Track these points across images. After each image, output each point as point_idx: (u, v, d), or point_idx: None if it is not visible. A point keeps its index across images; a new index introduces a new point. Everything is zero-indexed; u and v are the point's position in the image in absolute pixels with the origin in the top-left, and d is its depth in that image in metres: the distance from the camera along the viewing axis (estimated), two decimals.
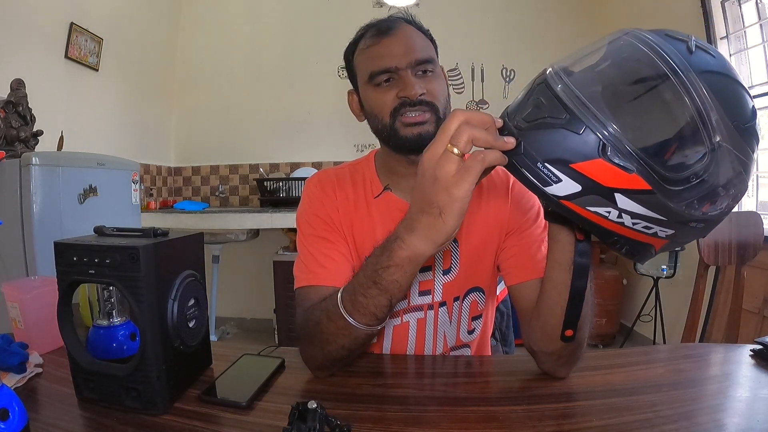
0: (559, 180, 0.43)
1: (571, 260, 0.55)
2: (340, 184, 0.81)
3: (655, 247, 0.47)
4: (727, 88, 0.43)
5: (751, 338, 0.75)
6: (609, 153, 0.41)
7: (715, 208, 0.44)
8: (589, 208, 0.43)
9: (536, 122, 0.44)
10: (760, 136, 0.44)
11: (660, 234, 0.44)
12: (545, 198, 0.45)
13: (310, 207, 0.80)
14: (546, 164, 0.43)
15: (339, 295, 0.60)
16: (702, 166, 0.41)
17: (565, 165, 0.43)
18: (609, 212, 0.43)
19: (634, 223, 0.44)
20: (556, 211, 0.46)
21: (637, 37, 0.45)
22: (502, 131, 0.48)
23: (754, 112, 0.44)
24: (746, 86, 0.44)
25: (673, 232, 0.45)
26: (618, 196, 0.42)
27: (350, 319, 0.58)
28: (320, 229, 0.77)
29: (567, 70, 0.46)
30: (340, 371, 0.69)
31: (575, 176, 0.42)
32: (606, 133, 0.41)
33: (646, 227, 0.44)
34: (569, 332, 0.56)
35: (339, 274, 0.73)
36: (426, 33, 0.76)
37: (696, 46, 0.43)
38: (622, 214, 0.43)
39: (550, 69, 0.47)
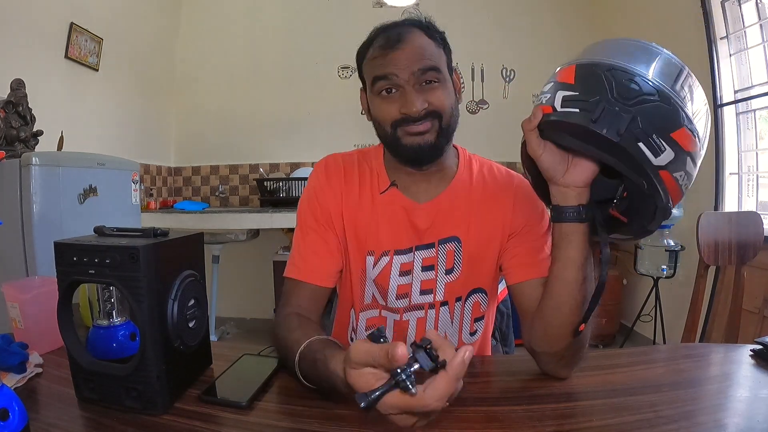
0: (664, 149, 0.50)
1: (583, 258, 0.58)
2: (347, 174, 0.81)
3: (662, 201, 0.53)
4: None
5: (751, 338, 0.75)
6: (686, 122, 0.50)
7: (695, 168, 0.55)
8: (674, 174, 0.51)
9: (638, 99, 0.50)
10: None
11: (683, 188, 0.53)
12: (647, 171, 0.50)
13: (308, 198, 0.81)
14: (656, 136, 0.50)
15: (296, 361, 0.59)
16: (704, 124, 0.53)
17: (667, 135, 0.50)
18: (681, 176, 0.51)
19: (681, 183, 0.52)
20: (650, 185, 0.51)
21: (647, 44, 0.55)
22: (612, 109, 0.51)
23: None
24: None
25: (683, 172, 0.53)
26: (687, 159, 0.51)
27: (305, 382, 0.59)
28: (313, 220, 0.79)
29: (632, 65, 0.53)
30: None
31: (673, 144, 0.50)
32: (684, 106, 0.50)
33: (684, 184, 0.52)
34: (583, 326, 0.58)
35: (320, 270, 0.77)
36: (438, 39, 0.75)
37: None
38: (685, 176, 0.52)
39: (610, 62, 0.53)
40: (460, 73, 2.97)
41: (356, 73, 0.80)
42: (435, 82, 0.71)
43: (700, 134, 0.52)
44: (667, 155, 0.50)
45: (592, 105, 0.51)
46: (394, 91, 0.71)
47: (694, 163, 0.52)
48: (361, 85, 0.81)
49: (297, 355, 0.59)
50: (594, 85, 0.52)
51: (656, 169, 0.50)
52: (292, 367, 0.61)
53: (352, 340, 0.83)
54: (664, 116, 0.50)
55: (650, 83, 0.50)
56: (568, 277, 0.59)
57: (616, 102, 0.50)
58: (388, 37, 0.72)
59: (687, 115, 0.50)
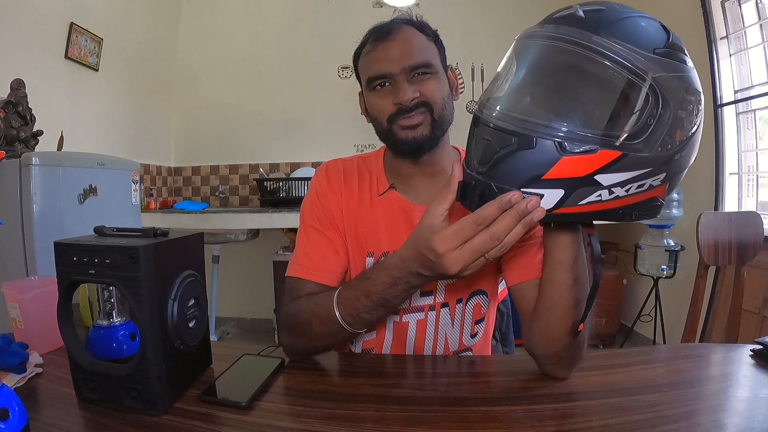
0: (542, 196, 0.44)
1: (572, 260, 0.57)
2: (347, 178, 0.82)
3: (659, 197, 0.48)
4: (630, 29, 0.43)
5: (751, 338, 0.75)
6: (567, 147, 0.42)
7: (687, 130, 0.44)
8: (581, 203, 0.45)
9: (493, 160, 0.46)
10: (682, 45, 0.45)
11: (654, 183, 0.45)
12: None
13: (310, 201, 0.82)
14: (523, 190, 0.45)
15: (336, 310, 0.65)
16: (651, 106, 0.42)
17: (537, 180, 0.44)
18: (600, 195, 0.44)
19: (627, 190, 0.44)
20: (558, 221, 0.48)
21: (532, 36, 0.47)
22: (469, 184, 0.49)
23: (663, 30, 0.45)
24: (640, 12, 0.45)
25: (665, 174, 0.45)
26: (599, 177, 0.43)
27: (350, 329, 0.65)
28: (317, 222, 0.79)
29: (492, 99, 0.48)
30: (341, 373, 0.70)
31: (552, 184, 0.44)
32: (554, 133, 0.42)
33: (639, 186, 0.45)
34: (581, 326, 0.58)
35: (326, 270, 0.77)
36: (430, 34, 0.76)
37: (583, 11, 0.44)
38: (612, 189, 0.44)
39: (477, 107, 0.49)
40: (458, 72, 3.00)
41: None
42: (428, 74, 0.72)
43: (625, 133, 0.42)
44: (552, 197, 0.44)
45: (464, 178, 0.51)
46: (387, 84, 0.73)
47: (629, 167, 0.43)
48: (359, 88, 0.81)
49: (335, 294, 0.65)
50: (470, 147, 0.50)
51: (550, 210, 0.45)
52: (326, 312, 0.65)
53: (352, 343, 0.83)
54: (524, 166, 0.44)
55: (507, 127, 0.44)
56: (557, 279, 0.59)
57: (476, 171, 0.48)
58: (379, 32, 0.74)
59: (572, 138, 0.42)
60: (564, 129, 0.42)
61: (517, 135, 0.43)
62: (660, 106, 0.42)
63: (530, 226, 0.47)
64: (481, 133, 0.47)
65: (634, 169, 0.43)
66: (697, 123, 0.45)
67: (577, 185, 0.43)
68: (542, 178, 0.43)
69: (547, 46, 0.45)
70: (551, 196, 0.44)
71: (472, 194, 0.48)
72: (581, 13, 0.44)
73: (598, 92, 0.43)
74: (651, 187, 0.45)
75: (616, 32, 0.42)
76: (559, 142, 0.42)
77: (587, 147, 0.42)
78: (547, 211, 0.45)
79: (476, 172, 0.48)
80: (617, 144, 0.42)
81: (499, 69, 0.50)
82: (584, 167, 0.42)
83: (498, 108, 0.46)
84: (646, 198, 0.46)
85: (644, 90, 0.41)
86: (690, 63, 0.45)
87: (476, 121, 0.49)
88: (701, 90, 0.45)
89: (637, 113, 0.42)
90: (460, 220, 0.49)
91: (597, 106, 0.43)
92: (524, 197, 0.45)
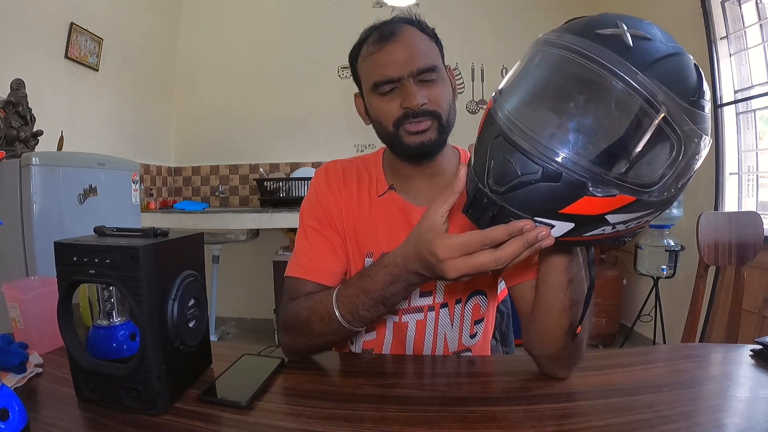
0: (552, 226, 0.44)
1: (567, 261, 0.58)
2: (346, 179, 0.82)
3: (646, 227, 0.50)
4: (675, 72, 0.41)
5: (751, 338, 0.75)
6: (591, 188, 0.41)
7: (688, 176, 0.44)
8: (585, 234, 0.45)
9: (512, 184, 0.43)
10: (706, 89, 0.43)
11: (650, 219, 0.46)
12: None
13: (310, 202, 0.82)
14: (535, 218, 0.44)
15: (335, 308, 0.64)
16: (674, 156, 0.41)
17: (554, 212, 0.43)
18: (604, 230, 0.45)
19: (627, 226, 0.45)
20: (558, 246, 0.48)
21: (574, 51, 0.42)
22: (480, 199, 0.47)
23: (698, 74, 0.43)
24: (678, 46, 0.43)
25: (660, 211, 0.46)
26: (609, 217, 0.43)
27: (349, 326, 0.64)
28: (316, 222, 0.80)
29: (520, 114, 0.44)
30: (341, 373, 0.70)
31: (566, 218, 0.43)
32: (583, 173, 0.40)
33: (638, 223, 0.46)
34: (579, 329, 0.58)
35: (325, 270, 0.77)
36: (430, 34, 0.75)
37: (631, 36, 0.41)
38: (616, 226, 0.44)
39: (497, 112, 0.46)
40: (458, 72, 3.00)
41: None
42: (433, 78, 0.71)
43: (645, 181, 0.41)
44: (561, 228, 0.44)
45: (469, 190, 0.49)
46: (393, 88, 0.71)
47: (637, 209, 0.42)
48: (355, 89, 0.80)
49: (334, 292, 0.65)
50: (482, 154, 0.47)
51: (556, 239, 0.45)
52: (326, 310, 0.65)
53: (352, 342, 0.83)
54: (544, 198, 0.42)
55: (535, 154, 0.41)
56: (552, 281, 0.59)
57: (488, 188, 0.45)
58: (380, 33, 0.72)
59: (599, 182, 0.40)
60: (594, 171, 0.40)
61: (543, 166, 0.41)
62: (680, 158, 0.41)
63: (536, 251, 0.47)
64: (503, 149, 0.44)
65: (639, 211, 0.43)
66: (699, 165, 0.45)
67: (588, 221, 0.44)
68: (559, 211, 0.43)
69: (592, 72, 0.41)
70: (561, 228, 0.44)
71: (482, 211, 0.47)
72: (629, 40, 0.41)
73: (637, 140, 0.40)
74: (647, 222, 0.47)
75: (662, 74, 0.40)
76: (584, 182, 0.41)
77: (609, 191, 0.41)
78: (555, 237, 0.46)
79: (490, 189, 0.46)
80: (635, 190, 0.41)
81: (526, 72, 0.47)
82: (600, 207, 0.42)
83: (525, 129, 0.42)
84: (637, 230, 0.48)
85: (674, 142, 0.41)
86: (708, 109, 0.43)
87: (496, 133, 0.45)
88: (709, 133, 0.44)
89: (661, 162, 0.41)
90: (468, 234, 0.48)
91: (632, 155, 0.40)
92: (536, 226, 0.45)
